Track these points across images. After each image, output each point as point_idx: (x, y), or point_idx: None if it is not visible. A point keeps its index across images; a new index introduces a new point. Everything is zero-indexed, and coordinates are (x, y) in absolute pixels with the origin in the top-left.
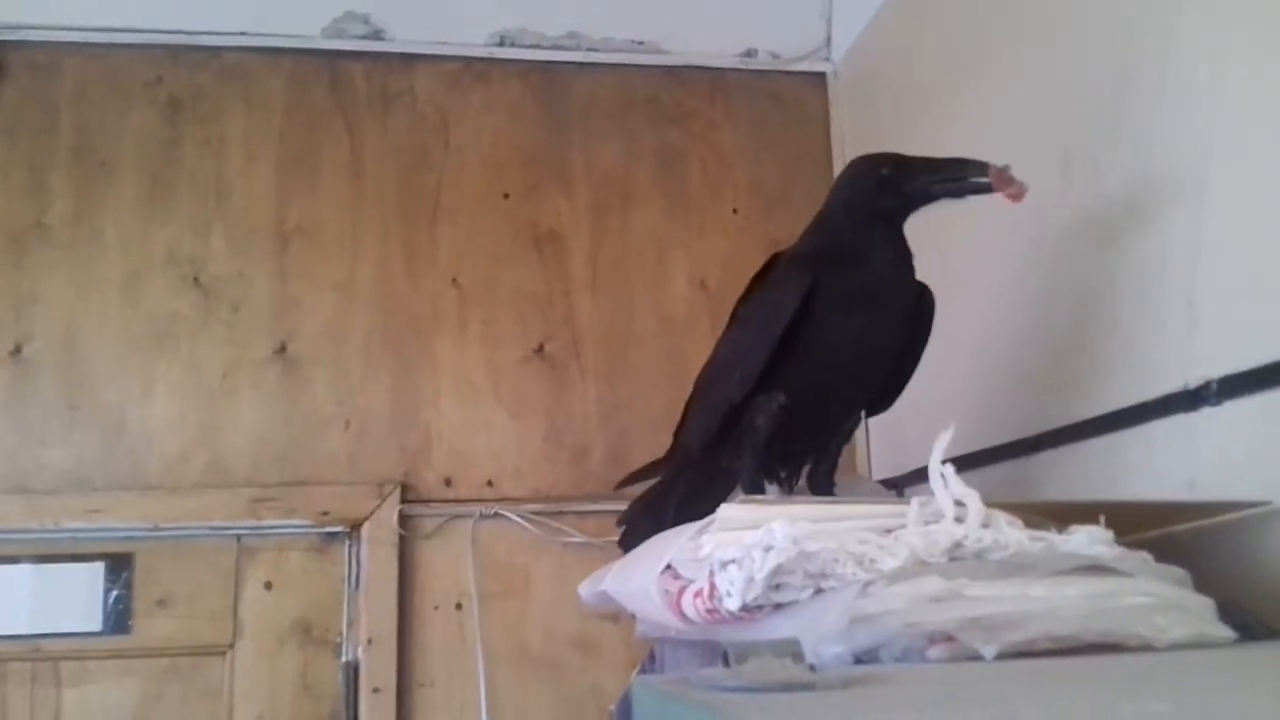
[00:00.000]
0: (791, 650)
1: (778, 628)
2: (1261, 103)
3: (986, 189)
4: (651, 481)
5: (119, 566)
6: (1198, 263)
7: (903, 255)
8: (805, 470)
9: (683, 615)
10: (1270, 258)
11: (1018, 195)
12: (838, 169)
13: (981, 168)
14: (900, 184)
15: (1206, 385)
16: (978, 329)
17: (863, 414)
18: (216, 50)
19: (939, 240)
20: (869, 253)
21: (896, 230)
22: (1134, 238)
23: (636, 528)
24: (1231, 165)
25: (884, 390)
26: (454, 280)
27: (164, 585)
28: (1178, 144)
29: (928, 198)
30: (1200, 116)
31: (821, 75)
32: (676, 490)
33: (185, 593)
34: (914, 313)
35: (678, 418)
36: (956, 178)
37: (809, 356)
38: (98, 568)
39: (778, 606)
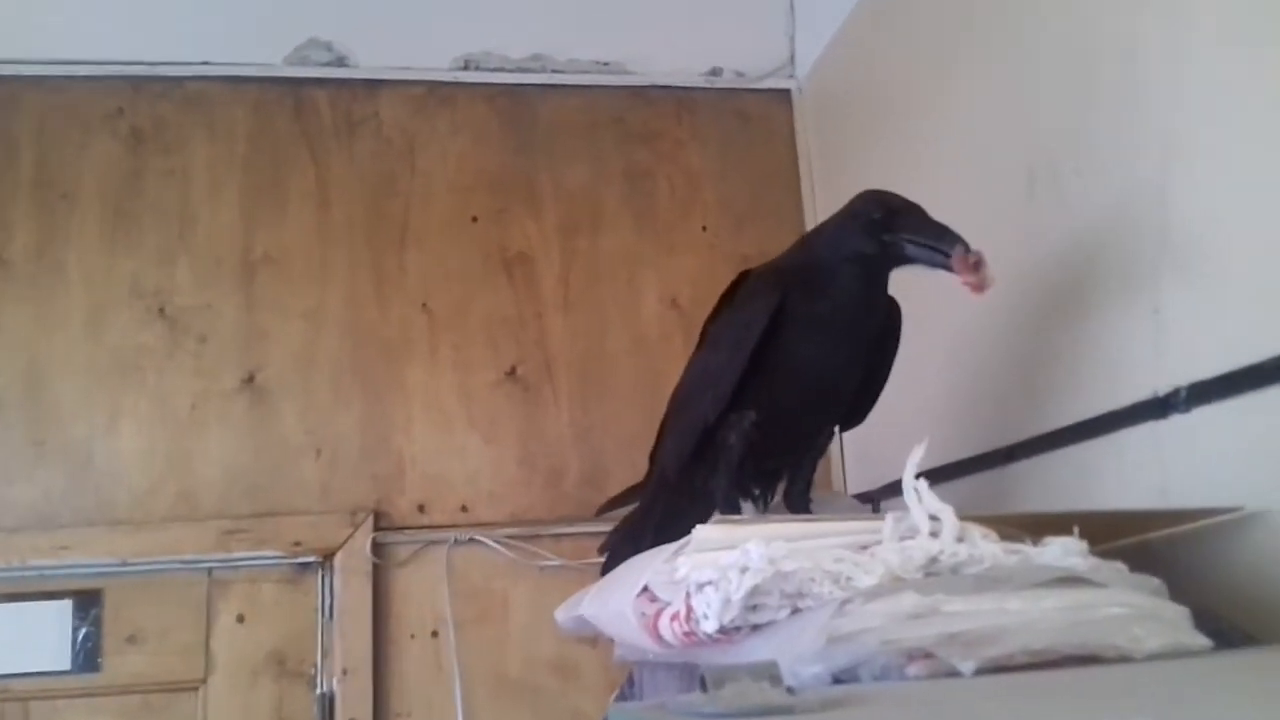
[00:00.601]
0: (769, 673)
1: (756, 649)
2: (1221, 112)
3: (950, 269)
4: (630, 507)
5: (87, 604)
6: (1163, 271)
7: (873, 287)
8: (780, 488)
9: (660, 639)
10: (1234, 264)
11: (976, 287)
12: (805, 184)
13: (958, 243)
14: (882, 233)
15: (1175, 392)
16: (948, 342)
17: (836, 429)
18: (179, 80)
19: None
20: (841, 279)
21: (873, 269)
22: (1099, 248)
23: (617, 555)
24: (1193, 174)
25: (855, 404)
26: (424, 305)
27: (134, 621)
28: (1140, 155)
29: (901, 259)
30: (1161, 127)
31: (786, 92)
32: (654, 514)
33: (156, 628)
34: (882, 327)
35: (652, 437)
36: (931, 247)
37: (778, 374)
38: (66, 605)
39: (755, 628)
